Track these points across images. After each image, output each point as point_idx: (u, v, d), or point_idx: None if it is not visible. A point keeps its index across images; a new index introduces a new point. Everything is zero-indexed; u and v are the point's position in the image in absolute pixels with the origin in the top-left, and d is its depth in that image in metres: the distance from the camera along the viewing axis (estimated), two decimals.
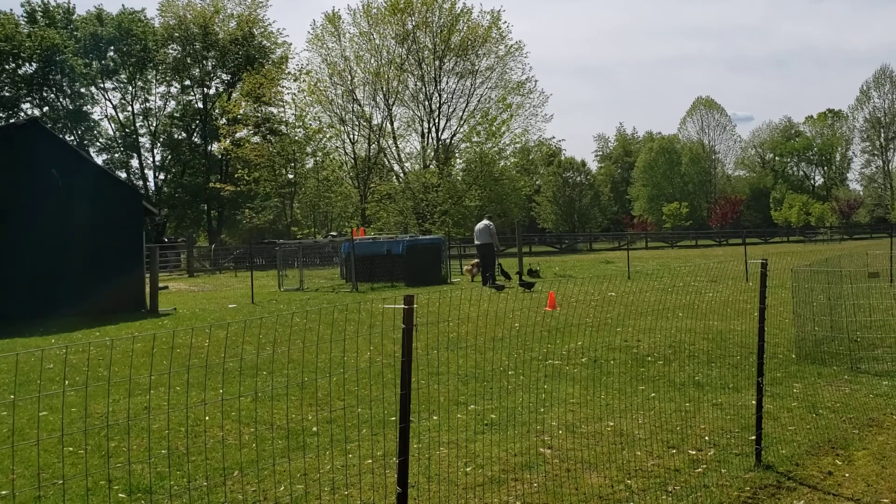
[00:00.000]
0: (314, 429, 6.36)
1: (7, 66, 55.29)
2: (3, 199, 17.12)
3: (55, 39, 55.03)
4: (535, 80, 64.33)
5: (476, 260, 22.85)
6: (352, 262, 22.11)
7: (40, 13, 60.34)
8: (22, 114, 55.40)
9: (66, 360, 10.48)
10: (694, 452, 5.58)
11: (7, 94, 56.36)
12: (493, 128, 49.51)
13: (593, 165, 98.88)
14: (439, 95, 50.89)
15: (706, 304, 14.02)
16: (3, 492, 5.11)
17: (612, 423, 6.29)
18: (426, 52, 50.05)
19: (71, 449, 6.09)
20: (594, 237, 68.17)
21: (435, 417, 6.59)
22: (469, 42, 49.37)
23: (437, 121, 51.45)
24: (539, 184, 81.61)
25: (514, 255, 30.99)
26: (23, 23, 58.35)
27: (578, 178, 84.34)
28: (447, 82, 51.02)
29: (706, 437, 5.94)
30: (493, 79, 50.75)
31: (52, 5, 61.27)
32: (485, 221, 21.58)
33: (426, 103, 51.10)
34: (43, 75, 55.70)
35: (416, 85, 51.01)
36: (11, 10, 60.32)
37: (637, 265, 28.15)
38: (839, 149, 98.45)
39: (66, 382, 8.93)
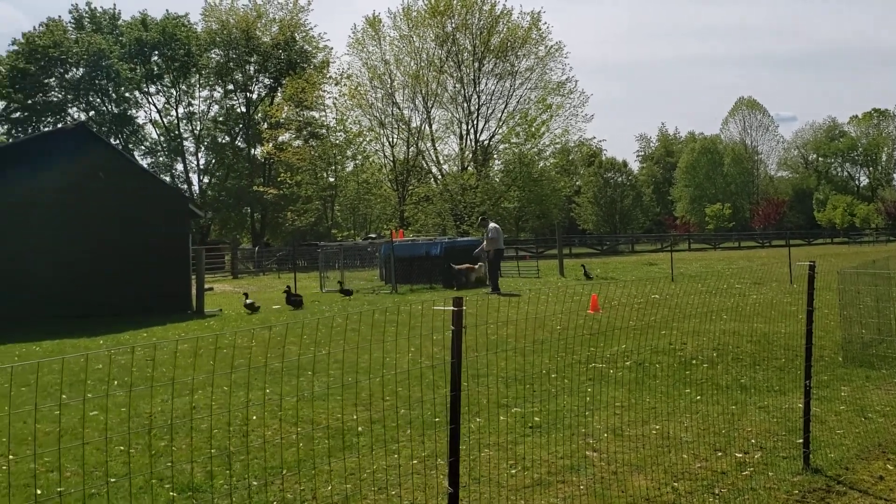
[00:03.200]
0: (359, 429, 6.42)
1: (56, 72, 56.70)
2: (54, 203, 17.54)
3: (101, 45, 56.24)
4: (576, 81, 64.20)
5: (467, 265, 21.96)
6: (391, 263, 22.22)
7: (87, 19, 61.81)
8: (69, 118, 56.74)
9: (112, 360, 10.70)
10: (740, 455, 5.52)
11: (55, 98, 57.80)
12: (533, 129, 49.39)
13: (635, 166, 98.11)
14: (478, 97, 50.94)
15: (750, 306, 13.83)
16: (61, 488, 5.25)
17: (657, 427, 6.25)
18: (465, 54, 50.14)
19: (121, 448, 6.21)
20: (636, 238, 67.54)
21: (479, 419, 6.61)
22: (509, 43, 49.33)
23: (475, 122, 51.51)
24: (579, 184, 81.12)
25: (555, 257, 30.86)
26: (70, 29, 59.82)
27: (620, 179, 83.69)
28: (486, 84, 51.08)
29: (752, 440, 5.88)
30: (532, 79, 50.69)
31: (99, 11, 62.75)
32: (493, 224, 20.32)
33: (465, 105, 51.18)
34: (89, 80, 56.97)
35: (455, 87, 51.15)
36: (60, 16, 61.70)
37: (680, 267, 27.83)
38: (885, 149, 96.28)
39: (115, 382, 9.13)
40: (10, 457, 6.03)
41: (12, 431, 6.74)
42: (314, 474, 5.29)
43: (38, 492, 5.18)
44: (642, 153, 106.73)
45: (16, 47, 57.41)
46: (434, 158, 53.21)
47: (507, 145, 51.33)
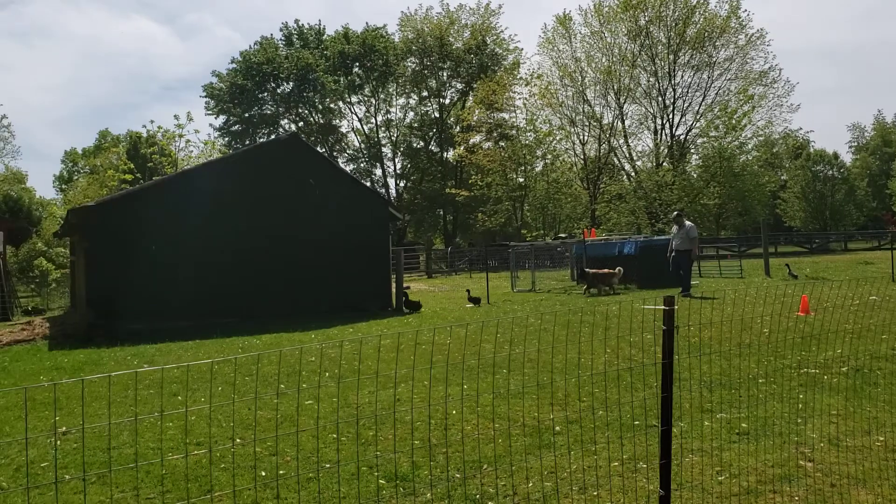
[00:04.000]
0: (556, 428, 6.43)
1: (269, 86, 61.34)
2: (271, 208, 18.98)
3: (308, 59, 60.10)
4: (780, 69, 59.93)
5: (606, 270, 20.75)
6: (583, 263, 21.99)
7: (296, 35, 66.35)
8: (281, 129, 61.17)
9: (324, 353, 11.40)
10: None
11: (269, 111, 62.55)
12: (733, 121, 46.95)
13: (847, 158, 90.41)
14: (673, 90, 49.23)
15: None
16: (281, 472, 5.68)
17: (881, 438, 5.76)
18: (660, 47, 48.63)
19: (333, 436, 6.62)
20: (849, 236, 62.31)
21: (681, 424, 6.40)
22: (706, 34, 47.26)
23: (670, 117, 49.81)
24: (785, 179, 76.08)
25: (760, 256, 29.21)
26: (281, 45, 64.47)
27: (830, 172, 77.54)
28: (682, 76, 49.23)
29: None
30: (732, 70, 48.22)
31: (306, 28, 67.11)
32: (688, 223, 19.06)
33: (659, 99, 49.65)
34: (298, 93, 61.08)
35: (648, 81, 49.76)
36: (272, 34, 66.65)
37: None
38: None
39: (326, 374, 9.73)
40: (237, 440, 6.61)
41: (238, 417, 7.38)
42: (514, 471, 5.37)
43: (262, 473, 5.64)
44: (855, 144, 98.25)
45: (234, 65, 62.82)
46: (627, 155, 52.08)
47: (705, 139, 49.17)
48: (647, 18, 47.91)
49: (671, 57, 48.37)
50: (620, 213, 47.65)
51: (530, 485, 5.09)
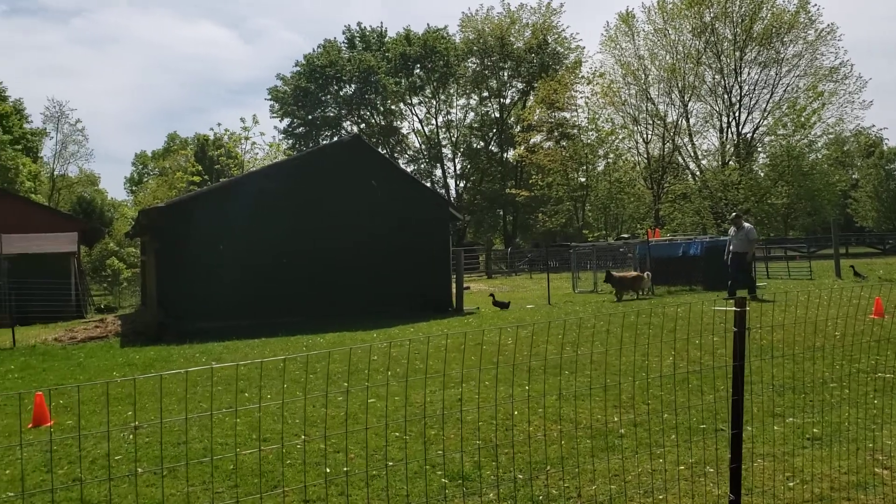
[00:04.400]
0: (621, 431, 6.37)
1: (332, 89, 62.18)
2: (333, 209, 19.24)
3: (371, 62, 60.72)
4: (851, 64, 58.07)
5: (635, 273, 20.20)
6: (647, 264, 21.70)
7: (358, 38, 67.14)
8: (343, 131, 61.94)
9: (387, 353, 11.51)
10: None
11: (332, 113, 63.41)
12: (802, 118, 45.64)
13: None
14: (740, 87, 48.10)
15: None
16: (344, 469, 5.76)
17: None
18: (725, 44, 47.57)
19: (397, 434, 6.68)
20: None
21: (749, 428, 6.26)
22: (773, 29, 46.04)
23: (737, 114, 48.68)
24: (856, 178, 73.67)
25: (830, 257, 28.36)
26: (344, 48, 65.27)
27: None
28: (748, 73, 48.04)
29: None
30: (800, 66, 46.85)
31: (368, 30, 67.83)
32: (747, 224, 18.30)
33: (725, 97, 48.58)
34: (360, 95, 61.76)
35: (713, 78, 48.72)
36: (335, 37, 67.59)
37: None
38: None
39: (389, 373, 9.81)
40: (303, 437, 6.73)
41: (304, 414, 7.50)
42: (578, 473, 5.33)
43: (328, 470, 5.73)
44: None
45: (298, 69, 63.88)
46: (692, 154, 51.10)
47: (772, 137, 47.91)
48: (712, 15, 46.94)
49: (737, 54, 47.29)
50: (685, 214, 46.81)
51: (595, 487, 5.05)
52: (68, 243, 27.95)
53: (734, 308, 3.32)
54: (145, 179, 77.28)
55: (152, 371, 11.36)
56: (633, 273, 20.32)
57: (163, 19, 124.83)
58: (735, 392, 3.29)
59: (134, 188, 79.36)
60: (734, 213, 19.09)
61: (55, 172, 63.46)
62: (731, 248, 17.96)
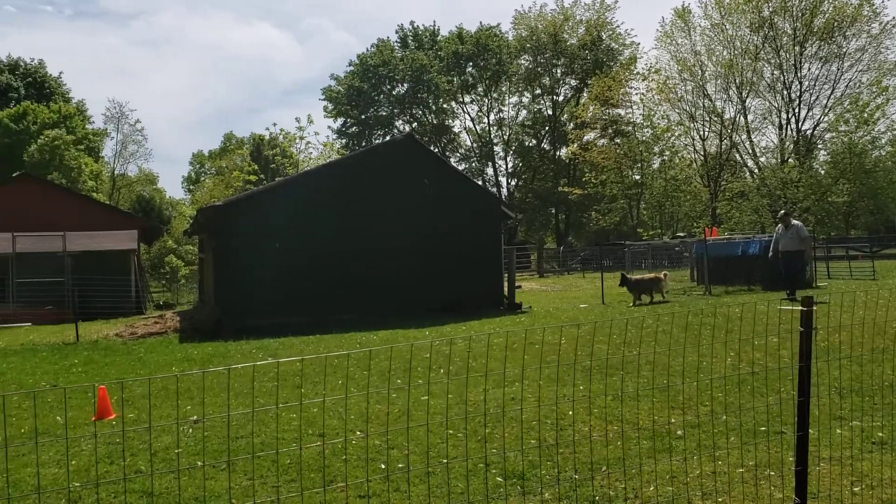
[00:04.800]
0: (678, 432, 6.26)
1: (384, 88, 62.58)
2: (386, 208, 19.34)
3: (423, 61, 60.92)
4: None
5: (652, 275, 19.63)
6: (704, 263, 21.31)
7: (411, 37, 67.44)
8: (395, 130, 62.28)
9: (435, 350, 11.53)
10: None
11: (384, 112, 63.82)
12: (865, 115, 44.30)
13: None
14: (799, 83, 46.91)
15: None
16: (400, 465, 5.78)
17: None
18: (785, 39, 46.45)
19: (451, 431, 6.68)
20: None
21: (812, 431, 6.09)
22: (835, 23, 44.79)
23: (796, 111, 47.50)
24: None
25: (894, 257, 27.48)
26: (397, 48, 65.64)
27: None
28: (809, 68, 46.81)
29: None
30: (864, 61, 45.46)
31: (421, 29, 68.07)
32: (796, 222, 17.70)
33: (784, 93, 47.44)
34: (413, 94, 62.01)
35: (772, 74, 47.61)
36: (388, 37, 68.03)
37: None
38: None
39: (441, 371, 9.83)
40: (358, 433, 6.78)
41: (358, 410, 7.56)
42: (633, 474, 5.26)
43: (383, 466, 5.75)
44: None
45: (352, 68, 64.43)
46: (749, 151, 50.04)
47: (833, 134, 46.60)
48: (771, 9, 45.88)
49: (797, 48, 46.13)
50: (742, 212, 45.86)
51: (652, 488, 4.97)
52: (128, 241, 28.68)
53: (801, 307, 3.22)
54: (202, 179, 78.79)
55: (210, 366, 11.57)
56: (651, 275, 19.76)
57: (218, 21, 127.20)
58: (801, 394, 3.20)
59: (191, 187, 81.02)
60: (782, 211, 18.51)
61: (115, 172, 65.17)
62: (779, 247, 17.43)
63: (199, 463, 6.10)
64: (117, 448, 6.69)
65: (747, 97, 47.83)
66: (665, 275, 19.44)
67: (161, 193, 65.18)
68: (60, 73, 74.64)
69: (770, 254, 17.81)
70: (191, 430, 7.19)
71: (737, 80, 47.14)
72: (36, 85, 61.26)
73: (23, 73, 61.41)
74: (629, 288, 18.96)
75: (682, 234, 40.24)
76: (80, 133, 55.37)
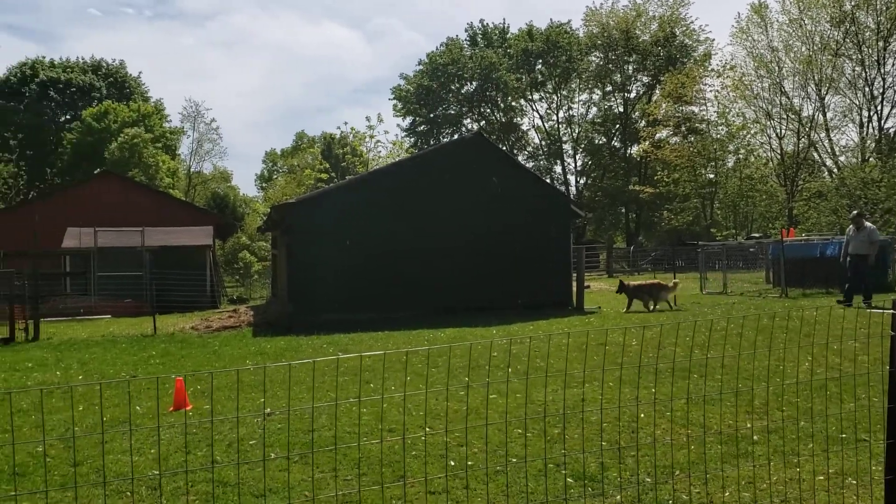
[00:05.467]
0: (754, 437, 6.11)
1: (453, 87, 62.76)
2: (454, 206, 19.39)
3: (492, 59, 60.87)
4: None
5: (654, 280, 19.04)
6: (780, 265, 20.73)
7: (480, 35, 67.45)
8: (463, 129, 62.40)
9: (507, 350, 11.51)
10: None
11: (453, 111, 64.01)
12: None
13: None
14: (883, 80, 45.15)
15: None
16: (470, 462, 5.79)
17: None
18: (867, 33, 44.77)
19: (519, 431, 6.66)
20: None
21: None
22: None
23: (879, 108, 45.73)
24: None
25: None
26: (466, 46, 65.75)
27: None
28: (893, 64, 45.07)
29: None
30: None
31: (490, 27, 68.03)
32: (869, 224, 16.70)
33: (866, 89, 45.73)
34: (481, 92, 62.03)
35: (853, 70, 45.96)
36: (457, 35, 68.17)
37: None
38: None
39: (510, 370, 9.81)
40: (427, 429, 6.82)
41: (427, 406, 7.60)
42: (708, 479, 5.15)
43: (451, 463, 5.78)
44: None
45: (421, 67, 64.83)
46: (828, 150, 48.43)
47: None
48: (853, 3, 44.28)
49: (880, 44, 44.41)
50: (821, 213, 44.41)
51: (727, 494, 4.87)
52: (204, 237, 29.48)
53: (891, 310, 3.11)
54: (274, 177, 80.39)
55: (283, 360, 11.81)
56: (655, 281, 19.18)
57: (289, 21, 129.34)
58: (891, 400, 3.09)
59: (264, 185, 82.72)
60: (854, 212, 17.50)
61: (191, 169, 67.02)
62: (848, 249, 16.56)
63: (273, 455, 6.24)
64: (194, 438, 6.88)
65: (826, 94, 46.33)
66: (675, 283, 18.82)
67: (235, 191, 66.76)
68: (140, 73, 77.30)
69: (840, 256, 17.02)
70: (265, 422, 7.35)
71: (815, 77, 45.70)
72: (117, 85, 63.52)
73: (105, 74, 63.74)
74: (626, 292, 18.46)
75: (756, 235, 39.19)
76: (158, 131, 57.13)
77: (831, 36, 45.60)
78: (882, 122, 45.99)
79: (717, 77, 49.56)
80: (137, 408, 8.37)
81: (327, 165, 57.11)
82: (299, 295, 18.33)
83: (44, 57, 63.23)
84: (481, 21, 70.95)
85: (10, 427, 7.37)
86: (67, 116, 60.05)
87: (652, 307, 17.95)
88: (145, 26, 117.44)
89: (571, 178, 63.95)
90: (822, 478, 5.08)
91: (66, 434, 7.21)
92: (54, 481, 5.72)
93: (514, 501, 4.95)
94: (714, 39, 78.28)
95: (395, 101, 66.19)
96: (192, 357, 12.89)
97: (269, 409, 7.89)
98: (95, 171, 42.27)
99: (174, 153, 61.77)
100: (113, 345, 15.15)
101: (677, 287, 18.71)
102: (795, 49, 46.75)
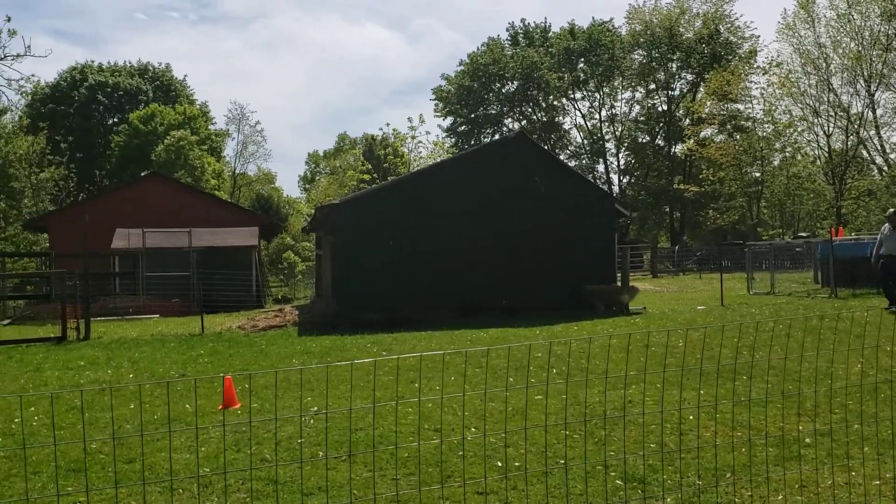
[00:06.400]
0: (806, 440, 6.02)
1: (494, 87, 62.71)
2: (496, 206, 19.39)
3: (533, 58, 60.70)
4: None
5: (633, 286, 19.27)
6: (829, 265, 20.33)
7: (521, 35, 67.29)
8: (504, 129, 62.30)
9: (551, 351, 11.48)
10: None
11: (493, 111, 63.95)
12: None
13: None
14: None
15: None
16: (517, 463, 5.80)
17: None
18: None
19: (567, 433, 6.64)
20: None
21: None
22: None
23: None
24: None
25: None
26: (507, 45, 65.63)
27: None
28: None
29: None
30: None
31: (532, 26, 67.82)
32: None
33: None
34: (523, 92, 61.88)
35: None
36: (498, 35, 68.14)
37: None
38: None
39: (554, 371, 9.79)
40: (473, 429, 6.84)
41: (472, 407, 7.63)
42: (759, 482, 5.09)
43: (499, 464, 5.79)
44: None
45: (462, 67, 64.90)
46: (878, 147, 47.30)
47: None
48: None
49: None
50: (870, 212, 43.39)
51: (781, 497, 4.81)
52: (250, 237, 29.90)
53: None
54: (317, 178, 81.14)
55: (328, 359, 11.93)
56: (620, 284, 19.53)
57: (330, 22, 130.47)
58: None
59: (307, 186, 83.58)
60: (891, 210, 16.19)
61: (236, 171, 67.99)
62: (883, 249, 15.54)
63: (321, 453, 6.31)
64: (243, 436, 6.99)
65: (876, 91, 45.25)
66: (632, 287, 19.53)
67: (279, 192, 67.58)
68: (185, 76, 78.46)
69: (871, 256, 16.03)
70: (311, 421, 7.44)
71: (865, 73, 44.66)
72: (163, 88, 64.73)
73: (151, 77, 64.99)
74: (588, 297, 19.04)
75: (804, 234, 38.46)
76: (204, 133, 58.06)
77: (882, 31, 44.53)
78: None
79: (763, 74, 48.82)
80: (187, 406, 8.53)
81: (369, 166, 57.42)
82: (343, 294, 18.49)
83: (92, 61, 64.84)
84: (522, 20, 70.83)
85: (80, 421, 7.57)
86: (115, 119, 61.32)
87: (605, 310, 18.54)
88: (190, 30, 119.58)
89: (614, 177, 63.54)
90: (877, 482, 4.99)
91: (119, 431, 7.38)
92: (108, 478, 5.86)
93: (562, 503, 4.95)
94: (759, 36, 76.92)
95: (436, 102, 66.37)
96: (239, 356, 13.08)
97: (315, 408, 7.98)
98: (143, 173, 43.06)
99: (219, 155, 62.73)
100: (162, 344, 15.44)
101: (635, 292, 19.46)
102: (844, 45, 45.74)
